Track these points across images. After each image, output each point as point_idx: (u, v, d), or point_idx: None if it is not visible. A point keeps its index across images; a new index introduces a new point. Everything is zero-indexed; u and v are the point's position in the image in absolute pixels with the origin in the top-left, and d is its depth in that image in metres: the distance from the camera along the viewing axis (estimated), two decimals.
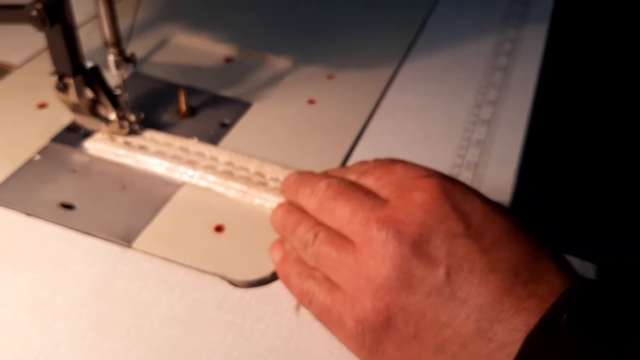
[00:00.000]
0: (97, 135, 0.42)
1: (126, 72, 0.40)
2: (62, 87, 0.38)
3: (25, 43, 0.52)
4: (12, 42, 0.52)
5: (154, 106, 0.46)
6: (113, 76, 0.41)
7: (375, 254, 0.28)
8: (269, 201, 0.38)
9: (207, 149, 0.42)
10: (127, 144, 0.41)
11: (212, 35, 0.55)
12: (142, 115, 0.42)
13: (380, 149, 0.44)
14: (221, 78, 0.50)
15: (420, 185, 0.29)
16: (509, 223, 0.28)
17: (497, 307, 0.25)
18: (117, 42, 0.39)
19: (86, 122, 0.42)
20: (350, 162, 0.43)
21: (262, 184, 0.39)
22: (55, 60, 0.38)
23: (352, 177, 0.32)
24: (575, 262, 0.34)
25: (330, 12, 0.59)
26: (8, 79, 0.49)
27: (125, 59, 0.40)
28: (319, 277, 0.31)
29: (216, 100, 0.47)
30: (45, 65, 0.50)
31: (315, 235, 0.31)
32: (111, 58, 0.40)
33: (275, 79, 0.50)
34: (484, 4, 0.62)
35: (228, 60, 0.53)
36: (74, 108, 0.41)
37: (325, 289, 0.30)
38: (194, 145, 0.42)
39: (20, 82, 0.48)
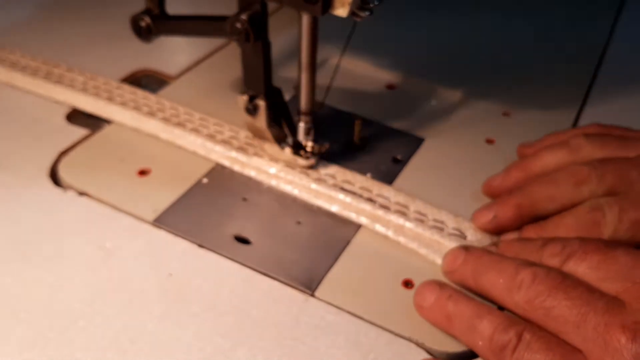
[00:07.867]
0: (271, 163, 0.39)
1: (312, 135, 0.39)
2: (252, 109, 0.35)
3: (180, 53, 0.50)
4: (168, 52, 0.51)
5: (321, 134, 0.43)
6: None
7: None
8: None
9: (388, 191, 0.38)
10: (301, 175, 0.38)
11: (372, 60, 0.51)
12: (327, 146, 0.39)
13: None
14: (386, 107, 0.46)
15: None
16: None
17: None
18: (311, 112, 0.37)
19: (268, 149, 0.39)
20: None
21: (458, 237, 0.35)
22: (248, 79, 0.35)
23: (553, 261, 0.28)
24: None
25: (500, 44, 0.55)
26: (166, 90, 0.47)
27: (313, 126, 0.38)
28: None
29: (386, 133, 0.43)
30: (200, 78, 0.48)
31: (519, 338, 0.26)
32: (302, 125, 0.38)
33: (446, 113, 0.46)
34: None
35: (390, 87, 0.49)
36: (257, 133, 0.38)
37: None
38: (370, 183, 0.38)
39: (178, 93, 0.46)
